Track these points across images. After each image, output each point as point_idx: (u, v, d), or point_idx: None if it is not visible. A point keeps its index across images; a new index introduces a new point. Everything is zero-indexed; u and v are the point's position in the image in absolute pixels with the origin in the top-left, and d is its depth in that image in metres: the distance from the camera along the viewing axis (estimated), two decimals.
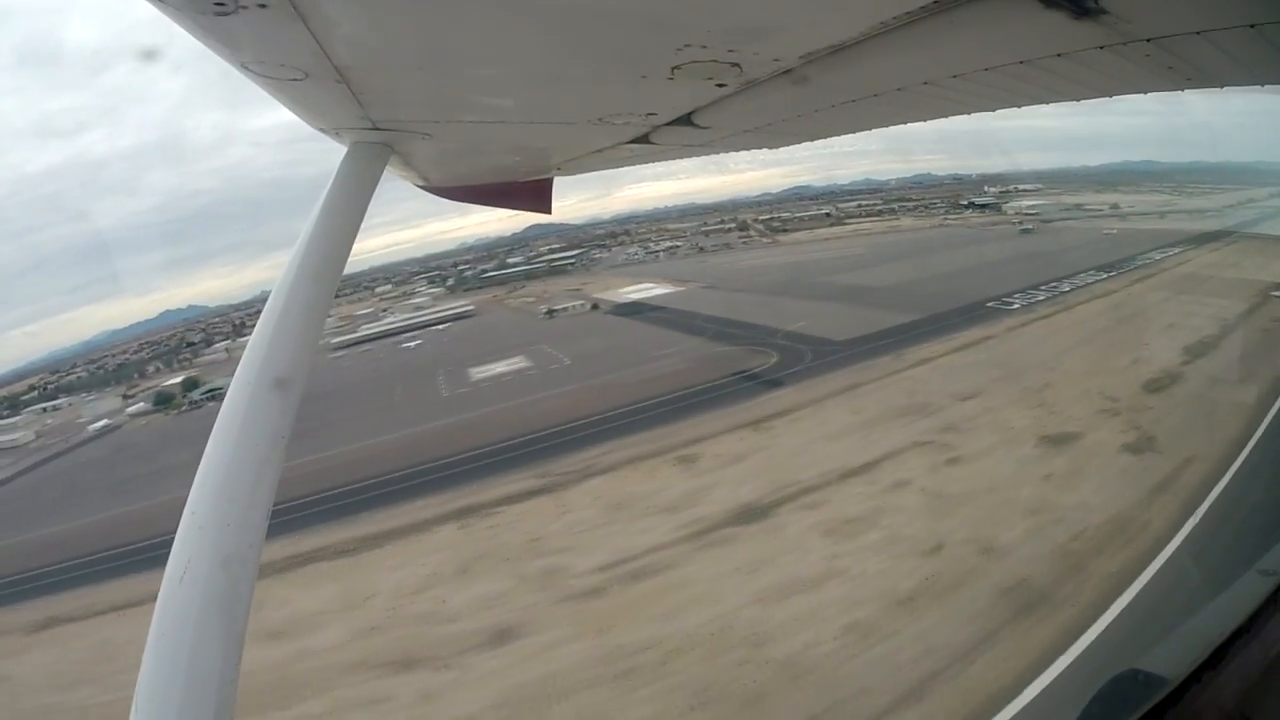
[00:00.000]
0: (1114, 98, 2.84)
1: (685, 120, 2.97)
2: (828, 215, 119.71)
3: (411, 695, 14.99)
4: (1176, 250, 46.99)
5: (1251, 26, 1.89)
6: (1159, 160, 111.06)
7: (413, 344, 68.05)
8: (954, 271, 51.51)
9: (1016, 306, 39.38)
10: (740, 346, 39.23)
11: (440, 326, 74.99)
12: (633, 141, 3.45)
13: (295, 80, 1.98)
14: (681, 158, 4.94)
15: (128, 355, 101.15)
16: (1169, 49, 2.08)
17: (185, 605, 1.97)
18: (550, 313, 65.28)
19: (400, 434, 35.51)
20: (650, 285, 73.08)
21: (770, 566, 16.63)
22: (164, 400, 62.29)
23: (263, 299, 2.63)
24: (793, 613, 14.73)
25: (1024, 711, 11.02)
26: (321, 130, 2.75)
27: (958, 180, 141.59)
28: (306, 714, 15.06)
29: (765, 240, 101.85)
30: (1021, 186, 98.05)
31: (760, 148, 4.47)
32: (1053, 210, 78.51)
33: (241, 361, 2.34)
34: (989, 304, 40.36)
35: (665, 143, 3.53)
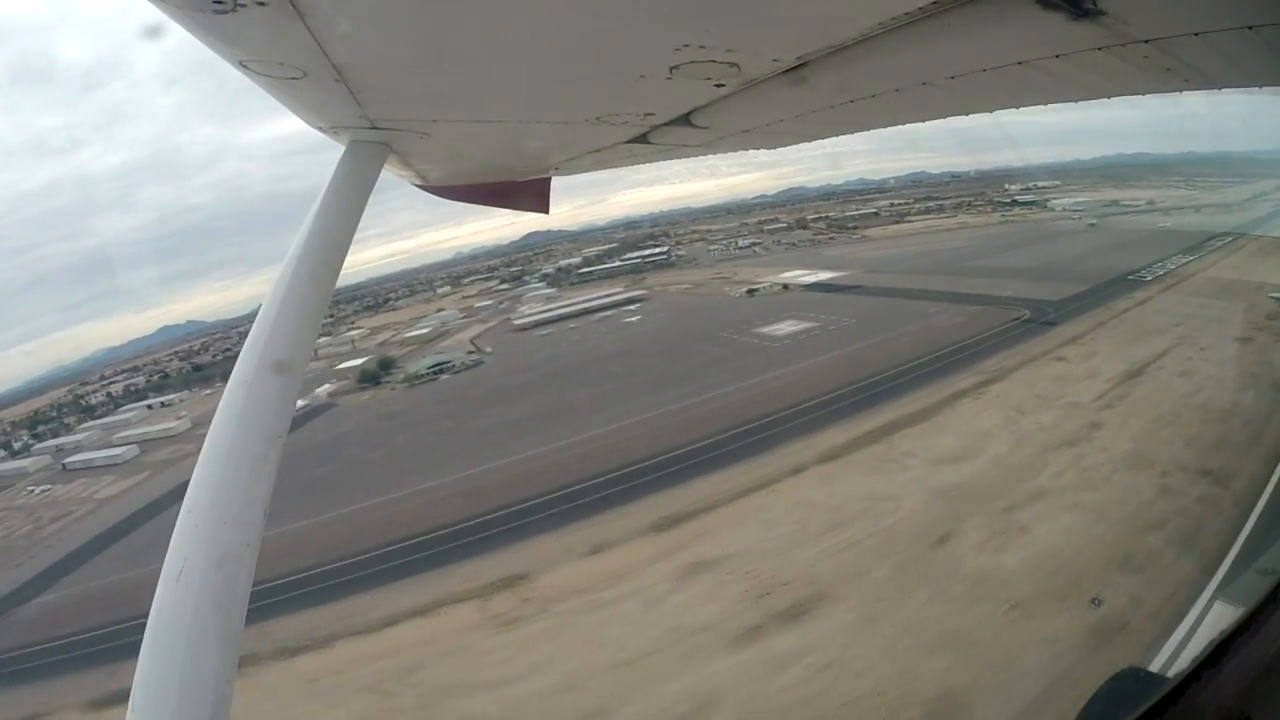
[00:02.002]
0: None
1: (684, 120, 3.15)
2: (875, 214, 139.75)
3: (1094, 449, 29.76)
4: (1229, 239, 66.66)
5: (1250, 28, 1.97)
6: (1151, 153, 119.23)
7: (633, 319, 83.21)
8: (1070, 258, 70.22)
9: (1149, 279, 59.48)
10: (986, 306, 57.70)
11: (632, 307, 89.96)
12: (631, 141, 3.64)
13: (294, 79, 2.08)
14: (679, 158, 5.11)
15: (171, 359, 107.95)
16: (1167, 50, 2.17)
17: (181, 605, 2.00)
18: (751, 292, 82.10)
19: (793, 368, 49.95)
20: (806, 272, 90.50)
21: (1171, 388, 36.37)
22: (371, 378, 74.55)
23: None
24: (1200, 400, 34.30)
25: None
26: (320, 129, 2.84)
27: (955, 178, 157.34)
28: (1055, 470, 28.02)
29: (854, 236, 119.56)
30: (1042, 183, 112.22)
31: (758, 148, 4.82)
32: (1095, 206, 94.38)
33: (240, 357, 2.41)
34: (1128, 278, 60.08)
35: (663, 143, 3.75)
